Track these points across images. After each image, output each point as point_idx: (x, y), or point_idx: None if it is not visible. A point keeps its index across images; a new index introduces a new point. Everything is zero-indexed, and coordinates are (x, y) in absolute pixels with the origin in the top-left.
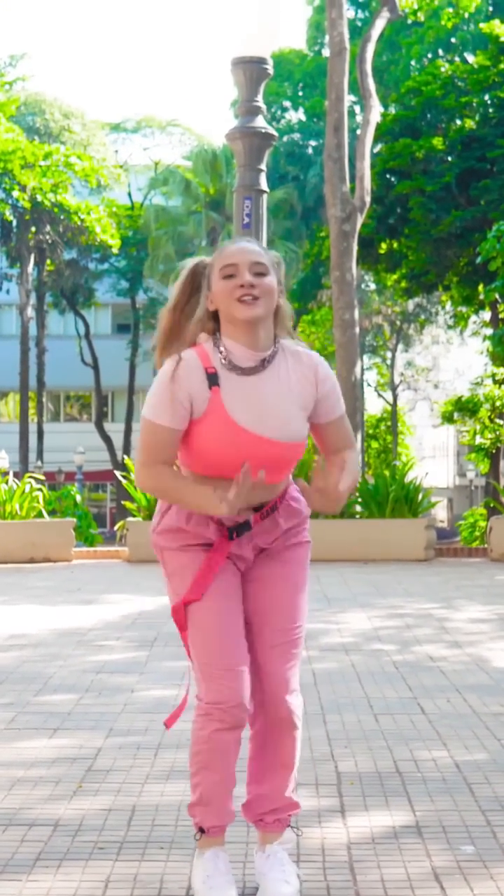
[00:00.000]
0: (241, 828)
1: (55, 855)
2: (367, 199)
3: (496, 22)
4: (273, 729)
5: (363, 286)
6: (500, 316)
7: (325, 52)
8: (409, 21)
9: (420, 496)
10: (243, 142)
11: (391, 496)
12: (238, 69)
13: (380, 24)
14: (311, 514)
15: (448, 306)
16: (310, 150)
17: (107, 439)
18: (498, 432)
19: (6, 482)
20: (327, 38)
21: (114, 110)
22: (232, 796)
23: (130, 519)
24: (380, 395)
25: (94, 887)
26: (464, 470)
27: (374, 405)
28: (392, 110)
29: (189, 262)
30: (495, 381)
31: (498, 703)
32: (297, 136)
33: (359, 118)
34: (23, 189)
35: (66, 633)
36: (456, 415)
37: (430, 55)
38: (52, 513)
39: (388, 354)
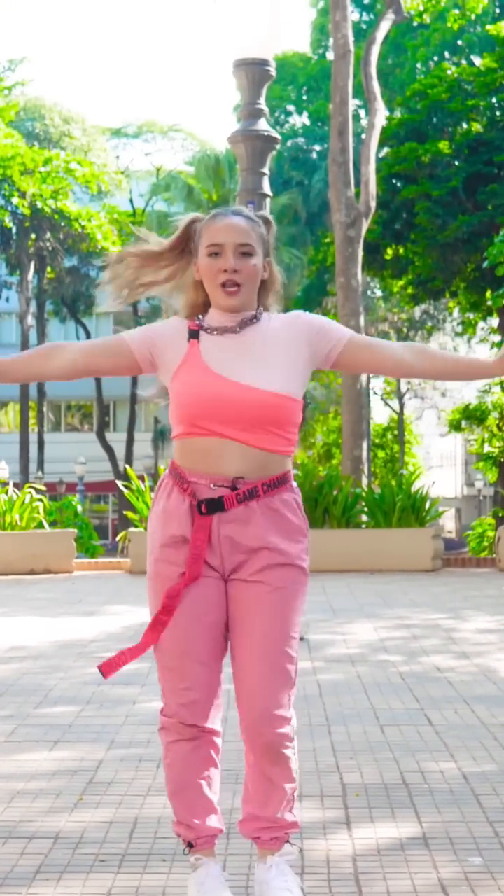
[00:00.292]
0: (245, 841)
1: (56, 868)
2: (373, 203)
3: (503, 24)
4: (258, 752)
5: (369, 293)
6: None
7: (330, 56)
8: (415, 23)
9: (427, 505)
10: (246, 145)
11: (398, 505)
12: (240, 71)
13: (385, 27)
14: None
15: (455, 313)
16: (314, 155)
17: (108, 449)
18: None
19: (6, 492)
20: (331, 40)
21: (115, 115)
22: (213, 809)
23: (132, 529)
24: (386, 404)
25: None
26: (472, 479)
27: (380, 414)
28: (397, 114)
29: (184, 219)
30: (503, 389)
31: None
32: (301, 140)
33: (364, 122)
34: (22, 195)
35: (67, 645)
36: (463, 423)
37: (436, 58)
38: (52, 524)
39: None
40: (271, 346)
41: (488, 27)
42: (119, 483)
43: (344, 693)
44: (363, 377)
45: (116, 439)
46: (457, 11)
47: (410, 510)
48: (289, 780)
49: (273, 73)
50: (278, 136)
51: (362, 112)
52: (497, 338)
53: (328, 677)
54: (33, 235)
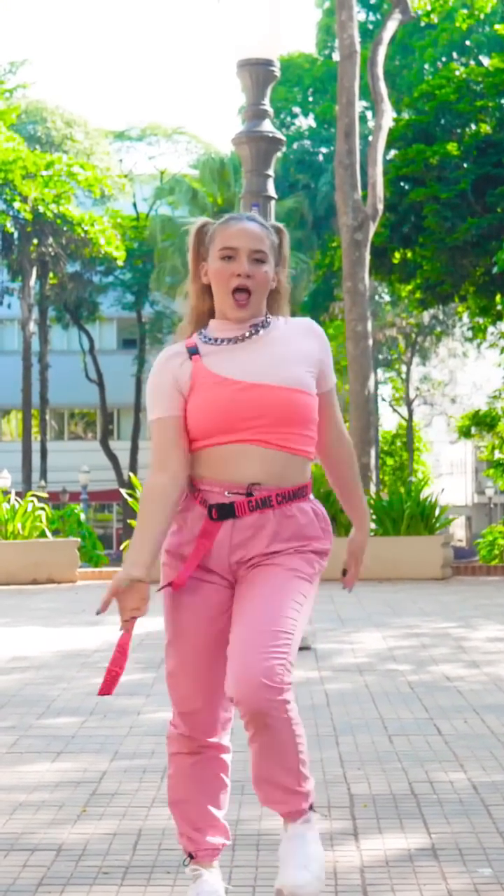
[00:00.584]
0: (251, 852)
1: (58, 880)
2: (380, 206)
3: None
4: (251, 726)
5: (376, 297)
6: None
7: (335, 56)
8: (422, 23)
9: (436, 513)
10: (250, 146)
11: (407, 513)
12: (244, 72)
13: (391, 27)
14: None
15: (465, 317)
16: (320, 158)
17: (112, 458)
18: None
19: (7, 501)
20: (337, 41)
21: (118, 118)
22: (215, 822)
23: None
24: (395, 411)
25: None
26: (482, 487)
27: (388, 421)
28: (405, 115)
29: (193, 227)
30: None
31: None
32: (307, 142)
33: (370, 124)
34: (24, 200)
35: (70, 655)
36: (473, 429)
37: (444, 58)
38: (55, 532)
39: (403, 368)
40: (282, 344)
41: (497, 27)
42: (123, 491)
43: (352, 702)
44: (371, 382)
45: (120, 447)
46: (465, 11)
47: (419, 518)
48: (290, 750)
49: (277, 73)
50: (283, 138)
51: (369, 114)
52: None
53: (336, 687)
54: (35, 240)
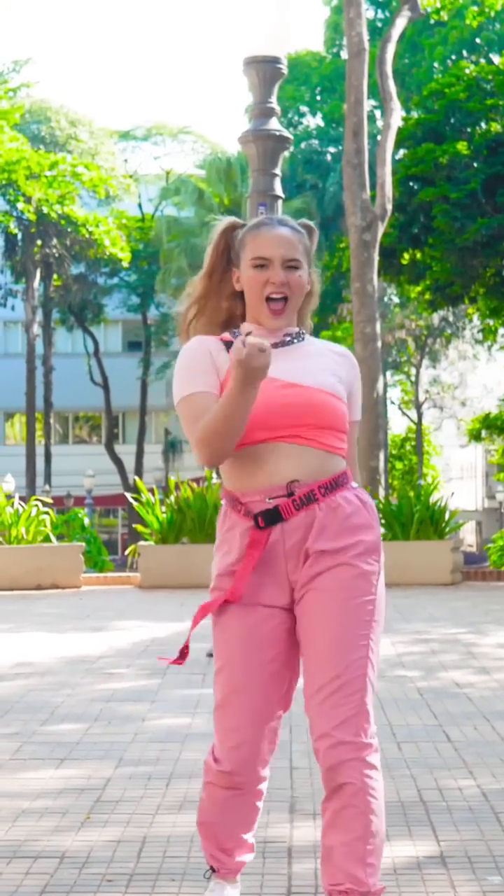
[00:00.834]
0: (258, 859)
1: (62, 888)
2: (389, 206)
3: None
4: (326, 787)
5: (385, 299)
6: None
7: (344, 55)
8: (432, 21)
9: (446, 517)
10: (257, 145)
11: (416, 517)
12: (251, 69)
13: (400, 24)
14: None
15: (475, 319)
16: (328, 157)
17: (118, 462)
18: None
19: (11, 505)
20: (345, 39)
21: (123, 117)
22: (243, 844)
23: (142, 543)
24: (404, 414)
25: None
26: (493, 492)
27: (398, 424)
28: (414, 114)
29: (219, 225)
30: None
31: None
32: (315, 142)
33: (379, 123)
34: (28, 200)
35: (75, 661)
36: (483, 432)
37: (453, 56)
38: (59, 537)
39: (413, 371)
40: (317, 355)
41: None
42: (128, 496)
43: None
44: (380, 385)
45: (126, 451)
46: (475, 8)
47: (429, 522)
48: (362, 830)
49: (284, 70)
50: (290, 136)
51: (378, 113)
52: None
53: None
54: (39, 242)
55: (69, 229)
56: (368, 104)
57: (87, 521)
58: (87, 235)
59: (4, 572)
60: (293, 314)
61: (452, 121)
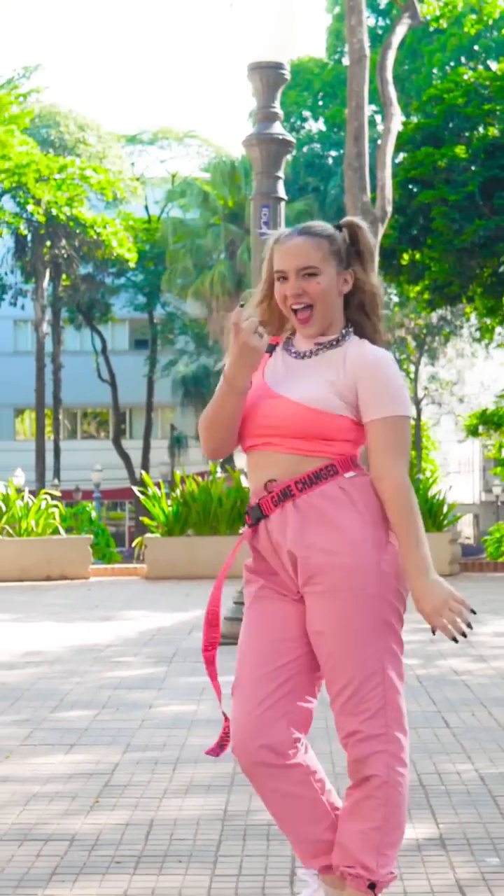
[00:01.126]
0: (262, 842)
1: (71, 869)
2: (389, 209)
3: None
4: (352, 778)
5: (385, 298)
6: None
7: (345, 61)
8: (431, 28)
9: (444, 510)
10: (260, 148)
11: None
12: (254, 75)
13: (401, 31)
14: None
15: (473, 318)
16: (330, 161)
17: (125, 457)
18: None
19: (21, 499)
20: (347, 45)
21: (130, 122)
22: (315, 834)
23: (148, 535)
24: None
25: None
26: (490, 485)
27: None
28: (414, 119)
29: (270, 239)
30: None
31: None
32: (317, 146)
33: (380, 127)
34: (37, 203)
35: (83, 650)
36: (481, 428)
37: (452, 63)
38: (68, 530)
39: (412, 368)
40: (325, 366)
41: None
42: (135, 490)
43: None
44: None
45: (133, 446)
46: (473, 16)
47: (428, 515)
48: (375, 818)
49: (287, 76)
50: (293, 140)
51: (378, 117)
52: None
53: None
54: (48, 243)
55: (77, 231)
56: (369, 109)
57: (94, 514)
58: (94, 237)
59: (15, 564)
60: (325, 319)
61: (451, 125)
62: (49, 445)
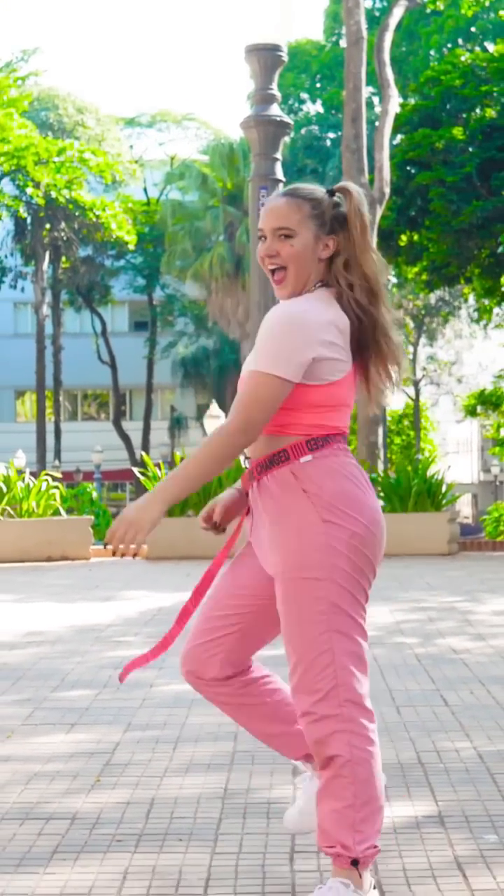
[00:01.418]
0: (262, 820)
1: (73, 848)
2: (387, 190)
3: None
4: (317, 759)
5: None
6: None
7: (343, 43)
8: (428, 10)
9: (443, 490)
10: (258, 130)
11: (414, 490)
12: (252, 57)
13: (398, 13)
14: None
15: (471, 299)
16: (328, 143)
17: (125, 438)
18: None
19: (22, 480)
20: (344, 27)
21: (128, 105)
22: (274, 729)
23: None
24: (402, 391)
25: (112, 880)
26: (488, 465)
27: (396, 401)
28: (411, 100)
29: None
30: None
31: None
32: (314, 128)
33: (377, 109)
34: (37, 186)
35: (84, 630)
36: (479, 408)
37: (449, 44)
38: (69, 511)
39: (410, 349)
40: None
41: (502, 13)
42: (135, 471)
43: None
44: None
45: (133, 428)
46: None
47: (426, 495)
48: (349, 797)
49: (285, 58)
50: (290, 121)
51: (376, 99)
52: None
53: None
54: (48, 225)
55: (77, 213)
56: (366, 91)
57: (95, 494)
58: (94, 219)
59: (16, 545)
60: (298, 282)
61: (448, 107)
62: (50, 427)
